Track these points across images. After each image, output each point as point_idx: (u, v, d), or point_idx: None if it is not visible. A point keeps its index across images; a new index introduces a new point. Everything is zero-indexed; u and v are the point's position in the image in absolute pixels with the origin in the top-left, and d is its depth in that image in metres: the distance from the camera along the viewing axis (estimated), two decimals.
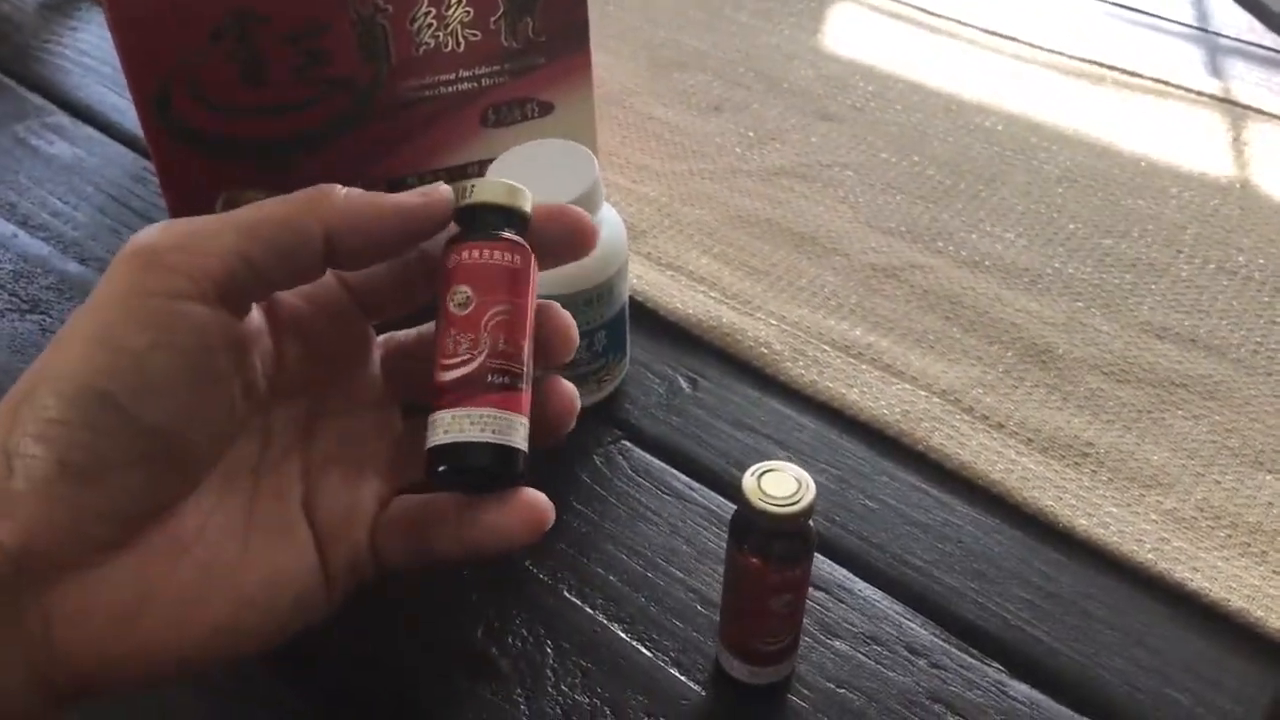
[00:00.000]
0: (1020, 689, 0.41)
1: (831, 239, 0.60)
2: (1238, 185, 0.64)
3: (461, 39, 0.56)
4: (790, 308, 0.56)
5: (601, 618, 0.43)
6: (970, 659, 0.42)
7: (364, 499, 0.35)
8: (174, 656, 0.31)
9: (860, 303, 0.56)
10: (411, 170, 0.59)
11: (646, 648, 0.42)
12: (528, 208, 0.35)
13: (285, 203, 0.32)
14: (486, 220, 0.34)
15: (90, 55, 0.76)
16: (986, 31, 0.79)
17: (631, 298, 0.55)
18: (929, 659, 0.42)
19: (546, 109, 0.60)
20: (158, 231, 0.31)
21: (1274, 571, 0.44)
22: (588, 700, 0.40)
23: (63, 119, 0.70)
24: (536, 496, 0.35)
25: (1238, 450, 0.49)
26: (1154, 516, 0.46)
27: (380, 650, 0.39)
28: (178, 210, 0.57)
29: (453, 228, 0.35)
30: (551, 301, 0.37)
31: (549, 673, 0.41)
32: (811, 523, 0.37)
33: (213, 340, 0.31)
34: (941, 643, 0.42)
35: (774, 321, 0.55)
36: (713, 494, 0.48)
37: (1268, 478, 0.48)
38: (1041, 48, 0.77)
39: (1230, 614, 0.43)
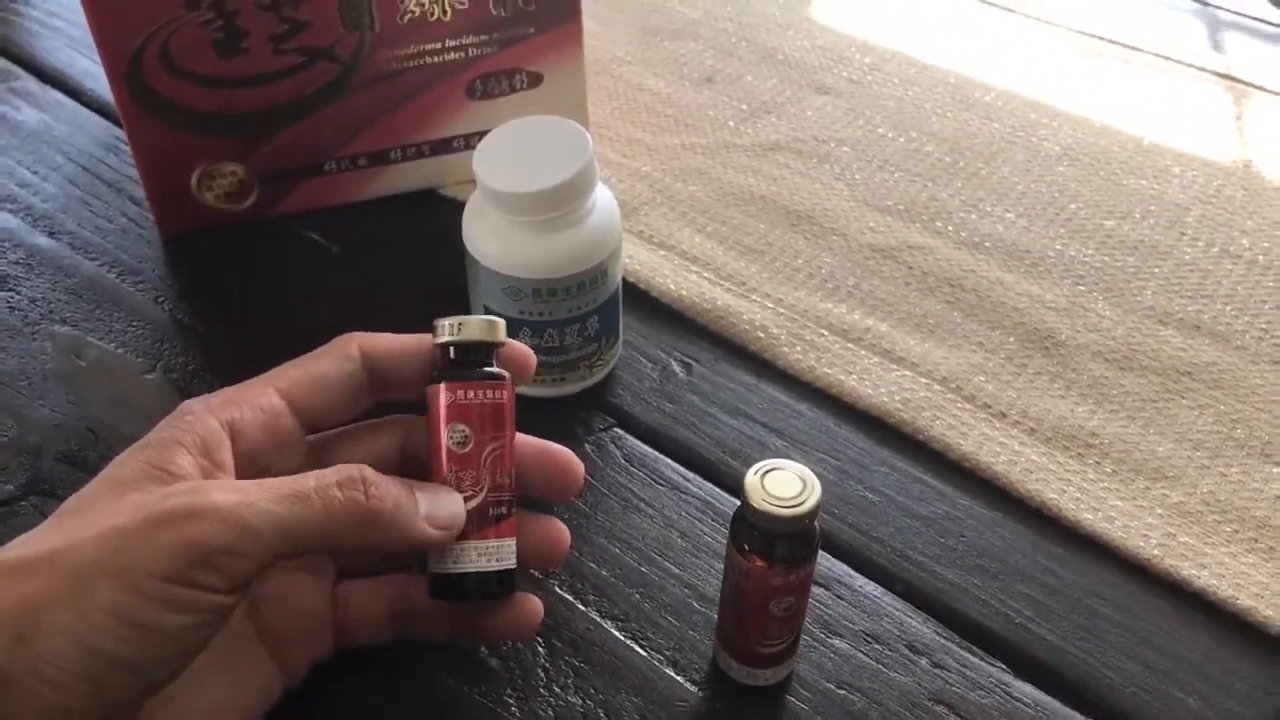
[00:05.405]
0: (1025, 689, 0.40)
1: (828, 218, 0.59)
2: (1241, 166, 0.63)
3: (448, 7, 0.53)
4: (786, 289, 0.54)
5: (594, 614, 0.41)
6: (973, 658, 0.41)
7: (316, 604, 0.37)
8: None
9: (858, 284, 0.55)
10: (394, 143, 0.57)
11: (641, 646, 0.40)
12: (504, 337, 0.37)
13: (328, 513, 0.32)
14: (472, 357, 0.36)
15: (60, 16, 0.73)
16: (984, 3, 0.77)
17: (623, 278, 0.53)
18: (930, 658, 0.41)
19: (535, 80, 0.58)
20: (207, 525, 0.30)
21: None
22: (580, 702, 0.39)
23: (30, 83, 0.67)
24: (527, 601, 0.38)
25: (1243, 441, 0.48)
26: (1160, 510, 0.45)
27: (366, 648, 0.38)
28: (151, 181, 0.55)
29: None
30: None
31: (540, 673, 0.40)
32: (817, 523, 0.35)
33: (234, 613, 0.32)
34: (944, 641, 0.41)
35: (770, 304, 0.53)
36: (708, 484, 0.46)
37: (1275, 470, 0.47)
38: (1039, 20, 0.75)
39: (1238, 612, 0.42)
